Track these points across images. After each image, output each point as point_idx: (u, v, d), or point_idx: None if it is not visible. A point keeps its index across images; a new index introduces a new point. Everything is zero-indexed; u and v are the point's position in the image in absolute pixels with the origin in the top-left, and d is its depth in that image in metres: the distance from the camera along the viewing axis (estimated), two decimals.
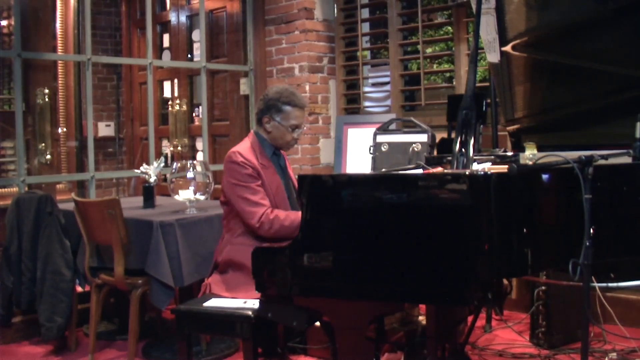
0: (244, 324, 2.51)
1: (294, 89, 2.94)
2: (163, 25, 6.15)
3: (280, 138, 2.85)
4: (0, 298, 3.63)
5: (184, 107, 5.83)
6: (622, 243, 2.15)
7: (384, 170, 3.38)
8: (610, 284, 3.31)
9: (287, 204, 2.83)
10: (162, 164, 3.85)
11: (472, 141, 2.30)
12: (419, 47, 4.70)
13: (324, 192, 2.10)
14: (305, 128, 2.99)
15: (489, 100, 3.53)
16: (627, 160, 2.23)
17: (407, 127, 4.21)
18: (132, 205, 3.79)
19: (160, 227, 3.19)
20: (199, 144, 5.71)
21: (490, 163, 2.55)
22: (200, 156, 5.59)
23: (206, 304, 2.65)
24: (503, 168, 2.22)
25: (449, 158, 2.55)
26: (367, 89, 5.20)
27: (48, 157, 4.62)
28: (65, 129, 5.75)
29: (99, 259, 3.48)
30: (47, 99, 4.59)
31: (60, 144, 5.67)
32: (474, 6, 2.70)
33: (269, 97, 2.85)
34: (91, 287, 3.52)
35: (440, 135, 3.86)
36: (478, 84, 3.57)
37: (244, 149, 2.81)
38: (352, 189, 2.04)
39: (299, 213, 2.64)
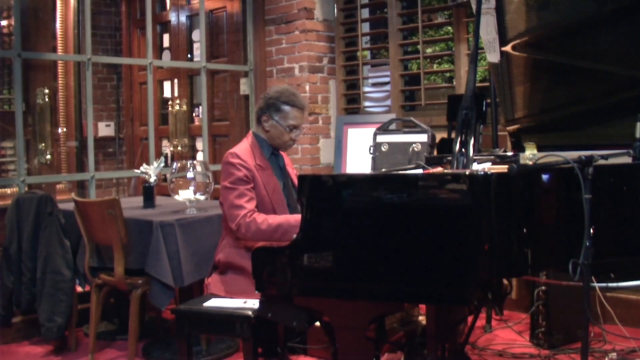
0: (244, 324, 2.51)
1: (295, 90, 2.94)
2: (163, 25, 6.15)
3: (278, 137, 2.85)
4: (0, 298, 3.63)
5: (184, 107, 5.83)
6: (622, 243, 2.15)
7: (384, 170, 3.38)
8: (610, 284, 3.31)
9: (284, 205, 2.83)
10: (162, 164, 3.85)
11: (472, 141, 2.30)
12: (419, 47, 4.70)
13: (324, 192, 2.10)
14: (303, 129, 2.99)
15: (489, 100, 3.53)
16: (627, 160, 2.23)
17: (407, 127, 4.21)
18: (132, 205, 3.79)
19: (160, 227, 3.19)
20: (199, 144, 5.71)
21: (490, 163, 2.55)
22: (200, 156, 5.59)
23: (206, 304, 2.65)
24: (503, 168, 2.22)
25: (449, 158, 2.55)
26: (367, 89, 5.20)
27: (48, 157, 4.62)
28: (65, 129, 5.76)
29: (99, 259, 3.48)
30: (47, 99, 4.59)
31: (60, 144, 5.68)
32: (474, 6, 2.70)
33: (269, 96, 2.86)
34: (91, 287, 3.52)
35: (440, 135, 3.86)
36: (478, 84, 3.57)
37: (242, 150, 2.81)
38: (352, 189, 2.04)
39: (279, 217, 2.67)
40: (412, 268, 1.94)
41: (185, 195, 3.43)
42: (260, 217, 2.66)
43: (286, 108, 2.82)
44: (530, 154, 2.45)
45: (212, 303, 2.66)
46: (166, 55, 6.09)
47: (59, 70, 5.67)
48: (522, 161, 2.34)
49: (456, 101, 2.91)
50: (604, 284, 3.27)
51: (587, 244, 1.91)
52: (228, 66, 5.38)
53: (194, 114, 5.87)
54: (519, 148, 2.93)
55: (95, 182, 4.47)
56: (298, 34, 5.03)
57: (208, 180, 3.46)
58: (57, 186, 5.27)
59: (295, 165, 4.98)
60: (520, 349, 3.40)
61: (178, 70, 5.91)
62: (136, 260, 3.29)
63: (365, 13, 5.17)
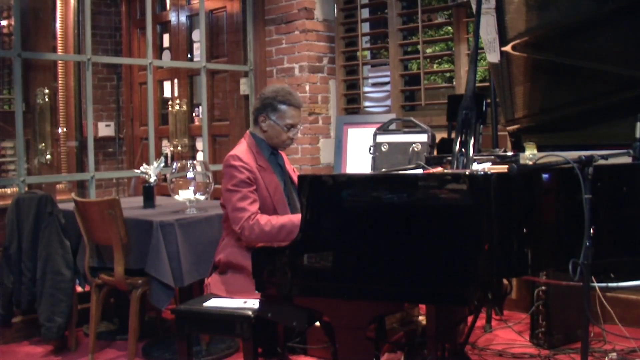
0: (244, 324, 2.51)
1: (291, 88, 2.94)
2: (163, 25, 6.15)
3: (276, 137, 2.85)
4: (0, 298, 3.63)
5: (184, 107, 5.83)
6: (622, 243, 2.15)
7: (384, 170, 3.38)
8: (610, 284, 3.31)
9: (285, 204, 2.83)
10: (162, 164, 3.85)
11: (472, 141, 2.30)
12: (419, 47, 4.70)
13: (324, 192, 2.10)
14: (301, 128, 2.99)
15: (489, 100, 3.54)
16: (627, 160, 2.23)
17: (407, 127, 4.21)
18: (132, 205, 3.79)
19: (160, 227, 3.19)
20: (199, 144, 5.71)
21: (490, 163, 2.56)
22: (200, 156, 5.59)
23: (206, 304, 2.65)
24: (503, 168, 2.22)
25: (449, 158, 2.55)
26: (367, 89, 5.20)
27: (48, 157, 4.62)
28: (65, 129, 5.76)
29: (99, 259, 3.48)
30: (47, 99, 4.59)
31: (60, 144, 5.69)
32: (474, 6, 2.70)
33: (265, 96, 2.85)
34: (91, 287, 3.52)
35: (440, 135, 3.86)
36: (478, 84, 3.57)
37: (242, 151, 2.80)
38: (352, 189, 2.04)
39: (282, 217, 2.67)
40: (412, 268, 1.94)
41: (185, 195, 3.43)
42: (263, 219, 2.66)
43: (283, 107, 2.82)
44: (530, 154, 2.45)
45: (212, 303, 2.66)
46: (166, 55, 6.09)
47: (59, 70, 5.67)
48: (522, 161, 2.34)
49: (456, 101, 2.91)
50: (604, 284, 3.27)
51: (587, 244, 1.91)
52: (228, 66, 5.38)
53: (194, 114, 5.87)
54: (519, 148, 2.93)
55: (95, 182, 4.47)
56: (298, 34, 5.03)
57: (208, 180, 3.47)
58: (57, 186, 5.27)
59: (295, 165, 4.98)
60: (520, 349, 3.40)
61: (178, 70, 5.91)
62: (136, 260, 3.29)
63: (365, 13, 5.17)
